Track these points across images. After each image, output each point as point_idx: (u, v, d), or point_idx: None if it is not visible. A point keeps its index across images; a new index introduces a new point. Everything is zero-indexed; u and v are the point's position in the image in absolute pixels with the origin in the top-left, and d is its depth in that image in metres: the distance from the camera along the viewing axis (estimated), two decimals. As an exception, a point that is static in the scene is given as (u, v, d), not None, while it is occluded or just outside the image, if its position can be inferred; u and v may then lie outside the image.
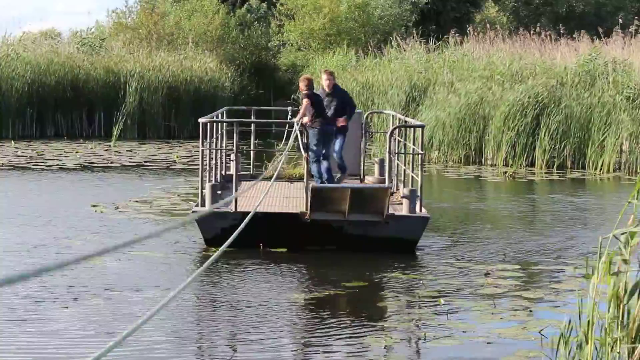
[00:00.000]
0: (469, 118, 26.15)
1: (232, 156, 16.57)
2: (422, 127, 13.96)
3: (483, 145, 26.02)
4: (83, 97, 32.86)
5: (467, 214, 17.04)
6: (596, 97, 25.45)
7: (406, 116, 26.63)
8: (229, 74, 38.53)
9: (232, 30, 45.00)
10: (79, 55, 34.50)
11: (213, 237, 12.79)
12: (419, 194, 13.09)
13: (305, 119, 13.75)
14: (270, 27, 47.08)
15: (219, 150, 15.53)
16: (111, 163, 24.51)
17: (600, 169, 24.45)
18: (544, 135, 25.01)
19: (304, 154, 13.39)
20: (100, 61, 34.17)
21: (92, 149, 27.83)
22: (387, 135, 13.66)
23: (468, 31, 34.77)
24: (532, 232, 15.24)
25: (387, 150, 13.72)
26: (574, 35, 32.12)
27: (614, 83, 26.00)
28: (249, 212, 12.30)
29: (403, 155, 14.92)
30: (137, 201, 17.27)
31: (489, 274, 11.70)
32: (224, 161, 16.08)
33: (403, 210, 12.96)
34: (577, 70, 27.09)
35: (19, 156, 25.38)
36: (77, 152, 26.60)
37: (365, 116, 17.21)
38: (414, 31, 38.25)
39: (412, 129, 14.89)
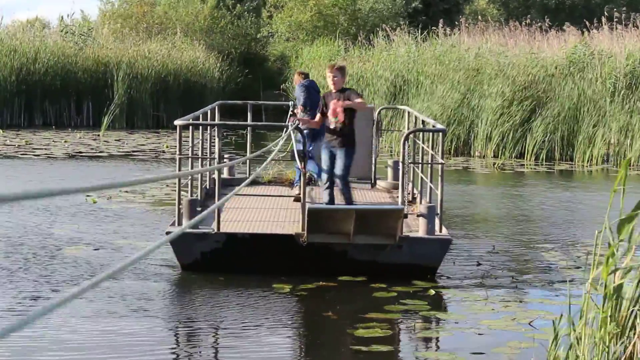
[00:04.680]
0: (457, 109, 26.17)
1: (226, 156, 15.34)
2: (443, 131, 11.87)
3: (472, 137, 26.05)
4: (71, 86, 32.79)
5: (457, 205, 17.05)
6: (585, 89, 25.53)
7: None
8: (218, 64, 38.48)
9: (222, 21, 44.92)
10: (68, 44, 34.38)
11: (191, 263, 10.77)
12: (438, 211, 11.06)
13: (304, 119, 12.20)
14: (261, 17, 47.03)
15: (205, 153, 13.27)
16: (100, 152, 24.46)
17: (589, 161, 24.53)
18: (536, 128, 25.05)
19: (300, 165, 11.01)
20: (89, 50, 34.07)
21: (80, 138, 27.77)
22: (402, 141, 11.69)
23: (460, 21, 34.72)
24: (524, 223, 15.28)
25: (402, 157, 11.65)
26: (563, 28, 32.13)
27: (602, 75, 26.06)
28: (234, 234, 10.79)
29: (419, 161, 13.19)
30: (127, 191, 17.24)
31: (480, 264, 11.75)
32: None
33: (420, 231, 10.93)
34: (565, 62, 27.16)
35: (7, 145, 25.29)
36: (65, 142, 26.54)
37: (377, 112, 15.44)
38: (401, 22, 38.21)
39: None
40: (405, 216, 11.10)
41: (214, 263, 10.70)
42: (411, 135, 12.73)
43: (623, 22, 29.80)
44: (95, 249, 11.96)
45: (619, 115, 24.75)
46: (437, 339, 8.69)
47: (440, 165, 11.35)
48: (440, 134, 11.88)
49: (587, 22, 31.63)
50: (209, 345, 8.47)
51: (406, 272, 10.63)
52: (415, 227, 11.22)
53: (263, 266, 10.69)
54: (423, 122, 13.58)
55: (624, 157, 24.36)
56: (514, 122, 25.29)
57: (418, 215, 11.16)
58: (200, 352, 8.28)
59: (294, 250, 10.65)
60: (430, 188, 11.88)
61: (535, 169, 23.53)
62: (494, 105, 25.51)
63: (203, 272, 10.62)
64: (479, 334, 8.74)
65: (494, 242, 13.32)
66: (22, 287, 9.95)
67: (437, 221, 10.98)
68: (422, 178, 12.64)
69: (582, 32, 30.77)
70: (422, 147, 12.92)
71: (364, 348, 8.18)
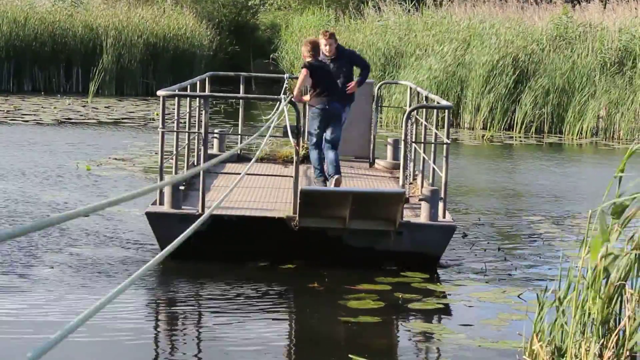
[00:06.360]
0: (447, 80, 26.14)
1: (216, 130, 14.48)
2: (449, 108, 10.82)
3: (461, 108, 26.05)
4: (61, 52, 32.63)
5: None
6: (577, 62, 25.56)
7: (383, 78, 26.64)
8: (208, 32, 38.35)
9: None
10: (57, 9, 34.17)
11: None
12: (442, 195, 10.28)
13: (306, 97, 11.18)
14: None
15: (193, 125, 12.27)
16: (88, 119, 24.40)
17: (578, 134, 24.58)
18: (525, 99, 25.07)
19: (292, 141, 10.02)
20: (78, 16, 33.89)
21: (69, 104, 27.66)
22: (404, 118, 10.93)
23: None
24: (513, 196, 15.33)
25: (404, 135, 10.84)
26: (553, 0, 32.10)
27: (593, 48, 26.11)
28: (221, 216, 9.82)
29: (422, 140, 12.45)
30: (116, 159, 17.23)
31: (466, 235, 11.82)
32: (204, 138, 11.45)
33: (422, 216, 10.11)
34: (553, 33, 27.17)
35: (-4, 111, 25.22)
36: (54, 108, 26.44)
37: (377, 87, 14.53)
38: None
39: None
40: (407, 200, 10.48)
41: (198, 248, 9.68)
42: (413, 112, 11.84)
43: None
44: (85, 216, 11.98)
45: (609, 89, 24.78)
46: (426, 310, 8.73)
47: (445, 145, 10.35)
48: (446, 111, 10.89)
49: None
50: (194, 322, 8.42)
51: (406, 260, 9.93)
52: (417, 212, 10.38)
53: (251, 251, 10.00)
54: (426, 97, 12.62)
55: (613, 131, 24.47)
56: (499, 92, 25.24)
57: (420, 200, 10.29)
58: (185, 329, 8.25)
59: (285, 235, 9.87)
60: (433, 169, 11.17)
61: (524, 141, 23.58)
62: (483, 76, 25.47)
63: (186, 258, 9.57)
64: (469, 306, 8.81)
65: (481, 215, 13.37)
66: (8, 255, 9.97)
67: (440, 206, 10.20)
68: (424, 158, 11.84)
69: (573, 5, 30.74)
70: (425, 125, 12.13)
71: (353, 319, 8.23)
